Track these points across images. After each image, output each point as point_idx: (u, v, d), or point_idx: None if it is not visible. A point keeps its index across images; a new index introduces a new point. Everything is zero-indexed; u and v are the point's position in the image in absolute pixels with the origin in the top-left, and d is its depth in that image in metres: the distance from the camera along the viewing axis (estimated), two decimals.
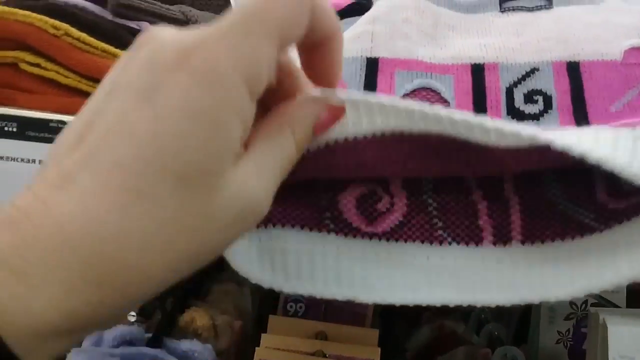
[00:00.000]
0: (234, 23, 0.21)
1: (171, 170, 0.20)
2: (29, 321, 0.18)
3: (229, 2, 0.54)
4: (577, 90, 0.30)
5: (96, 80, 0.45)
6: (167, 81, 0.20)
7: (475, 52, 0.32)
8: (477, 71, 0.32)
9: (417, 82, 0.32)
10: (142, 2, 0.48)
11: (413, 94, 0.31)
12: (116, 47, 0.46)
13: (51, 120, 0.41)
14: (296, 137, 0.25)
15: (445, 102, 0.31)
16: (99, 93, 0.22)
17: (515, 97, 0.31)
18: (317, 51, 0.25)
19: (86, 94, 0.46)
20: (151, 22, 0.48)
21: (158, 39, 0.21)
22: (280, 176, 0.24)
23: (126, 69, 0.21)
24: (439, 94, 0.31)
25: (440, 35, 0.34)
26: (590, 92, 0.30)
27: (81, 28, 0.44)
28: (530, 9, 0.35)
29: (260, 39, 0.21)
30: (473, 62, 0.32)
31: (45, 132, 0.40)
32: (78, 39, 0.44)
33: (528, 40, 0.33)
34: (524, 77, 0.31)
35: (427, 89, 0.31)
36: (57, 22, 0.43)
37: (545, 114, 0.31)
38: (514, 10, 0.35)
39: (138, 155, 0.19)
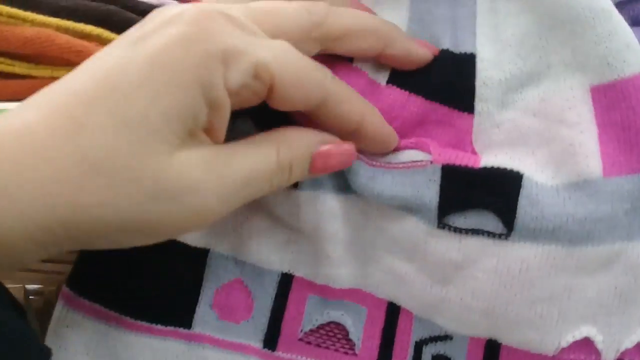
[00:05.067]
0: None
1: (114, 111, 0.20)
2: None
3: None
4: None
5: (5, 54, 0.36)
6: (158, 31, 0.21)
7: (393, 292, 0.29)
8: (392, 313, 0.29)
9: (328, 316, 0.30)
10: None
11: (321, 326, 0.30)
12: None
13: None
14: (280, 156, 0.24)
15: (350, 342, 0.29)
16: None
17: (423, 355, 0.29)
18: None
19: None
20: None
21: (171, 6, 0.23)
22: (245, 187, 0.23)
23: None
24: (347, 332, 0.29)
25: (367, 244, 0.29)
26: None
27: None
28: (478, 233, 0.26)
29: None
30: (390, 300, 0.29)
31: None
32: None
33: (452, 300, 0.27)
34: (435, 339, 0.29)
35: (337, 323, 0.30)
36: None
37: None
38: (455, 231, 0.26)
39: (90, 89, 0.20)
